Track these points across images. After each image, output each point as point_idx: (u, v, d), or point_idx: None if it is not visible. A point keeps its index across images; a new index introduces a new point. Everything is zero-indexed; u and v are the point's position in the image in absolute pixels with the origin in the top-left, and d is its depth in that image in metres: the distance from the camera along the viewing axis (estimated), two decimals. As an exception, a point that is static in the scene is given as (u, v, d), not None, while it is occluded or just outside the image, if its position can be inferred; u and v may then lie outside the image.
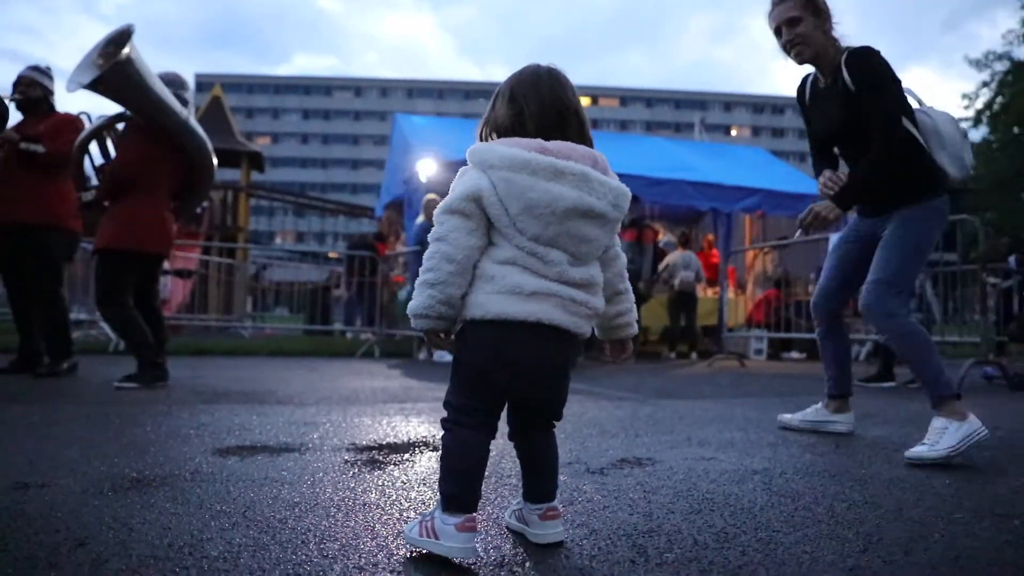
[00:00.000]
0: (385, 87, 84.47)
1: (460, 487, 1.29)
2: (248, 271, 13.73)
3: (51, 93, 4.55)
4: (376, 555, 1.30)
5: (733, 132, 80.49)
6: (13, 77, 4.61)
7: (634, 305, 1.47)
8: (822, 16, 2.58)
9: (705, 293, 9.26)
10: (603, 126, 74.68)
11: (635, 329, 1.48)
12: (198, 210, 12.61)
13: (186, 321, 9.77)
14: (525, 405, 1.40)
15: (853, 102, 2.50)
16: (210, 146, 4.41)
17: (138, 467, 1.98)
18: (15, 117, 4.43)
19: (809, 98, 2.77)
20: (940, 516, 1.61)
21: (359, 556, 1.29)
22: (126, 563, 1.22)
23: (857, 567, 1.26)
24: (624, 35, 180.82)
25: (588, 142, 1.36)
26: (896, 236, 2.50)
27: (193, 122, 4.27)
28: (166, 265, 10.26)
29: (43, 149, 4.25)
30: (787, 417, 2.95)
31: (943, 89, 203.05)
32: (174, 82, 4.28)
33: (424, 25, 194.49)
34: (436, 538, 1.26)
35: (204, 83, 72.33)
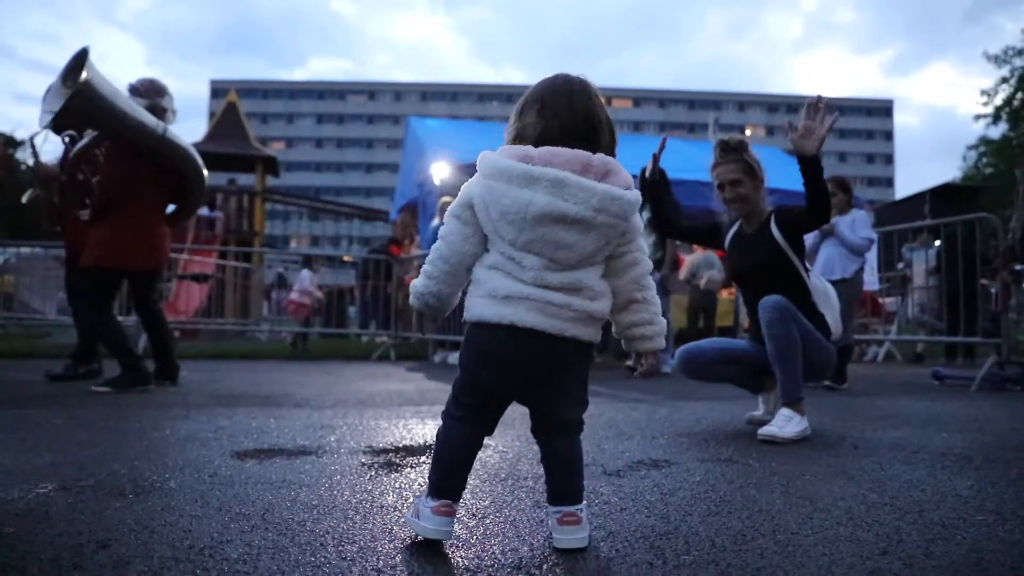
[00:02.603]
0: (399, 90, 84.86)
1: (441, 474, 1.38)
2: (265, 276, 13.82)
3: None
4: (394, 557, 1.30)
5: (748, 132, 79.65)
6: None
7: (658, 316, 1.42)
8: (758, 179, 3.00)
9: (721, 294, 9.20)
10: (616, 127, 74.27)
11: (656, 344, 1.42)
12: (215, 219, 12.76)
13: (203, 325, 9.86)
14: (526, 405, 1.43)
15: (773, 247, 2.91)
16: (193, 151, 4.38)
17: (158, 470, 2.01)
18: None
19: (732, 241, 3.17)
20: (962, 518, 1.59)
21: (377, 558, 1.29)
22: (148, 565, 1.23)
23: (877, 570, 1.25)
24: (639, 33, 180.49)
25: (609, 149, 1.39)
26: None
27: (171, 133, 4.21)
28: (181, 270, 10.39)
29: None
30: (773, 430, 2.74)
31: (964, 85, 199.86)
32: (150, 91, 4.24)
33: (438, 26, 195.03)
34: (418, 518, 1.37)
35: (219, 89, 73.10)
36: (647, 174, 3.21)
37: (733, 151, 3.00)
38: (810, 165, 2.64)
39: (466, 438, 1.39)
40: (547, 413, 1.41)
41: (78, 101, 3.75)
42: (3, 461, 2.09)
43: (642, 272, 1.40)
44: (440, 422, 1.43)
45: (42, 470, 1.98)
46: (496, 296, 1.31)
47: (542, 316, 1.30)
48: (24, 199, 4.68)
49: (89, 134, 4.24)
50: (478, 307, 1.34)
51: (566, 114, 1.36)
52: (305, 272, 10.08)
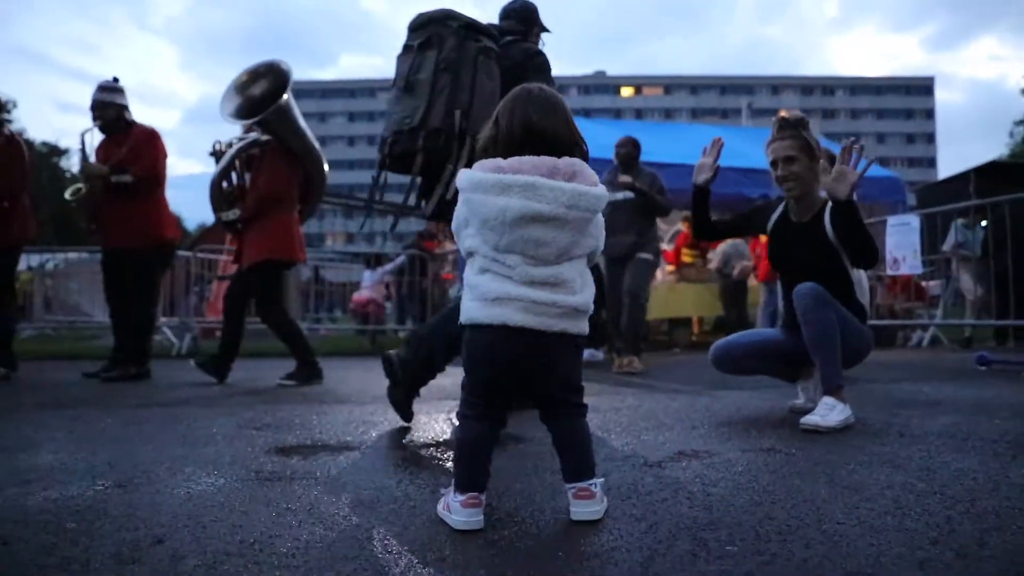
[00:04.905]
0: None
1: (464, 469, 1.48)
2: (302, 274, 14.00)
3: (125, 108, 4.78)
4: (441, 550, 1.32)
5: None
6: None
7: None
8: (815, 159, 2.84)
9: (756, 281, 9.07)
10: (647, 115, 73.65)
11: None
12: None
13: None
14: (528, 396, 1.55)
15: (824, 244, 2.81)
16: (324, 158, 4.87)
17: (206, 467, 2.06)
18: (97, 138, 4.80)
19: (776, 227, 3.05)
20: (1017, 507, 1.55)
21: (423, 552, 1.31)
22: (202, 559, 1.27)
23: (928, 560, 1.23)
24: (668, 19, 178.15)
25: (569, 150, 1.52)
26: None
27: (316, 142, 4.77)
28: (221, 271, 10.60)
29: (131, 178, 4.54)
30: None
31: (1012, 58, 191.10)
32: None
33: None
34: (449, 511, 1.47)
35: (253, 91, 74.04)
36: (701, 181, 3.14)
37: (791, 127, 2.91)
38: (843, 210, 2.62)
39: (483, 433, 1.51)
40: (547, 402, 1.54)
41: (275, 115, 4.38)
42: (63, 460, 2.17)
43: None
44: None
45: (99, 468, 2.05)
46: (487, 299, 1.44)
47: (529, 315, 1.43)
48: (68, 194, 4.81)
49: (242, 137, 4.66)
50: (471, 310, 1.47)
51: (505, 125, 1.53)
52: (368, 272, 10.23)
